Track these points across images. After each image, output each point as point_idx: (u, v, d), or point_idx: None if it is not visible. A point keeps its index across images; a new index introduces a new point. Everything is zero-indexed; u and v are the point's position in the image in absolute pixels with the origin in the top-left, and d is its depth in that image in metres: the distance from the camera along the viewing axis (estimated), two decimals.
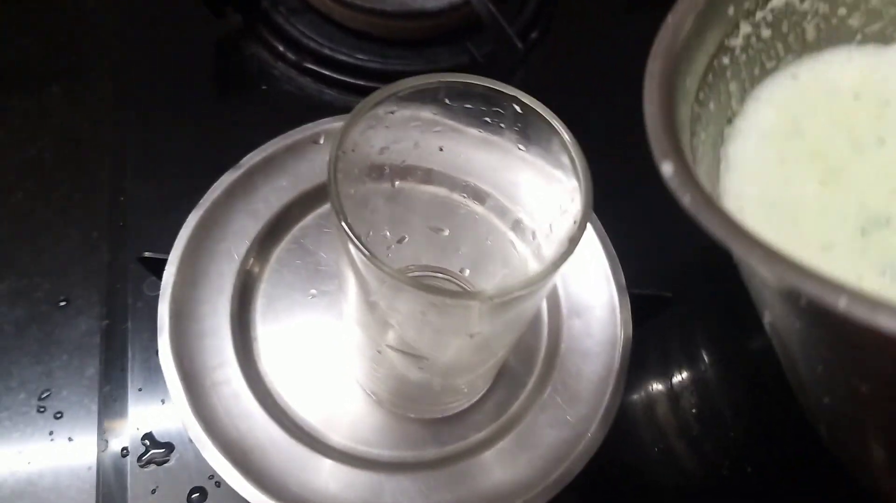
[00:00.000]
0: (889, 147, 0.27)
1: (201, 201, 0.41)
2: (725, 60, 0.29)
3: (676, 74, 0.25)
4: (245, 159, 0.43)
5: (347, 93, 0.57)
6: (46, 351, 0.48)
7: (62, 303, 0.49)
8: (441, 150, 0.31)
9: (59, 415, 0.45)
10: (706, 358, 0.49)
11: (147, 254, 0.41)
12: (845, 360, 0.22)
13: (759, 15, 0.28)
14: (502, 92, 0.27)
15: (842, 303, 0.16)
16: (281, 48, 0.58)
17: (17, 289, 0.49)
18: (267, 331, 0.40)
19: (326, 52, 0.57)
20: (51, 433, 0.45)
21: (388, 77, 0.57)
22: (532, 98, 0.27)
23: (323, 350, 0.40)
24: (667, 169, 0.20)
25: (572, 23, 0.63)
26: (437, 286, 0.23)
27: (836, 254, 0.25)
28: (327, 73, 0.57)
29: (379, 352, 0.31)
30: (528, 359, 0.41)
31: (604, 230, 0.44)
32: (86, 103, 0.57)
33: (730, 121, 0.30)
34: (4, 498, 0.43)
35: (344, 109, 0.56)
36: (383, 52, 0.58)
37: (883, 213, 0.25)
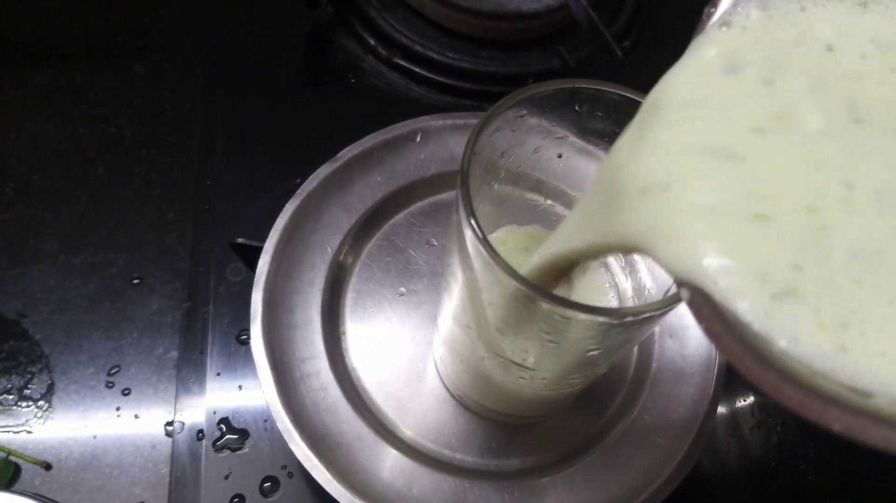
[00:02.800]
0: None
1: (298, 192, 0.41)
2: None
3: None
4: (343, 152, 0.43)
5: (435, 91, 0.57)
6: (117, 327, 0.48)
7: (135, 281, 0.49)
8: (560, 156, 0.30)
9: (126, 392, 0.46)
10: None
11: (240, 240, 0.41)
12: None
13: None
14: (637, 101, 0.26)
15: None
16: (371, 42, 0.58)
17: (91, 263, 0.50)
18: (355, 326, 0.40)
19: (417, 48, 0.57)
20: (118, 409, 0.45)
21: (478, 77, 0.56)
22: None
23: (410, 349, 0.40)
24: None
25: (665, 32, 0.62)
26: (568, 300, 0.22)
27: None
28: (416, 69, 0.57)
29: (481, 358, 0.30)
30: (618, 377, 0.40)
31: None
32: (169, 84, 0.58)
33: None
34: (70, 469, 0.44)
35: (431, 107, 0.56)
36: (474, 52, 0.57)
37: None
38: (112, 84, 0.58)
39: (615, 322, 0.23)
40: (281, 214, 0.40)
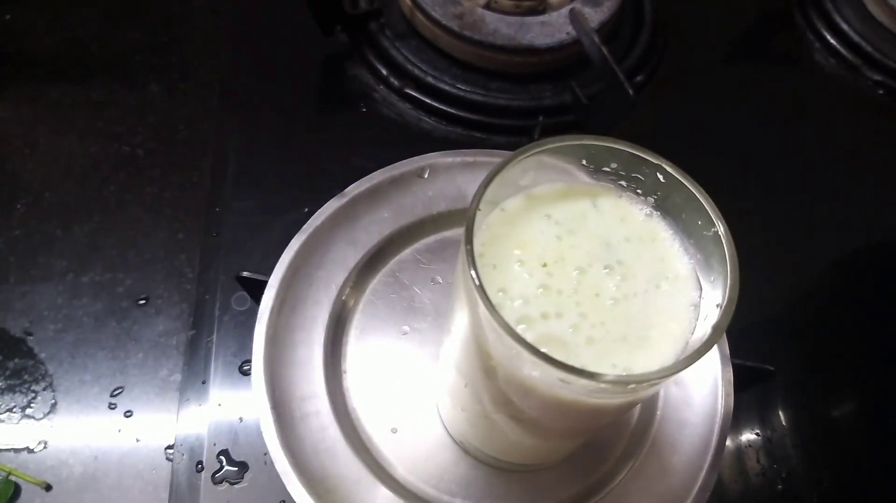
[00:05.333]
0: None
1: (304, 227, 0.41)
2: None
3: None
4: (350, 188, 0.42)
5: (446, 122, 0.57)
6: (123, 347, 0.48)
7: (142, 301, 0.49)
8: None
9: (129, 414, 0.46)
10: (800, 429, 0.46)
11: (246, 274, 0.41)
12: None
13: None
14: (646, 159, 0.26)
15: None
16: (384, 72, 0.58)
17: (100, 282, 0.50)
18: (358, 364, 0.39)
19: (429, 79, 0.57)
20: (119, 431, 0.45)
21: (488, 110, 0.56)
22: (678, 168, 0.26)
23: (411, 390, 0.39)
24: None
25: (679, 70, 0.62)
26: (571, 366, 0.21)
27: None
28: (427, 100, 0.57)
29: (482, 409, 0.30)
30: (621, 423, 0.39)
31: None
32: (185, 104, 0.58)
33: None
34: (70, 490, 0.43)
35: (441, 139, 0.56)
36: (485, 85, 0.57)
37: None
38: (128, 102, 0.58)
39: (617, 388, 0.22)
40: (287, 249, 0.40)
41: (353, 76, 0.59)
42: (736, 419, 0.39)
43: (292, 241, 0.40)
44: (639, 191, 0.28)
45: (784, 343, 0.48)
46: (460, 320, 0.27)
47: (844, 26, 0.62)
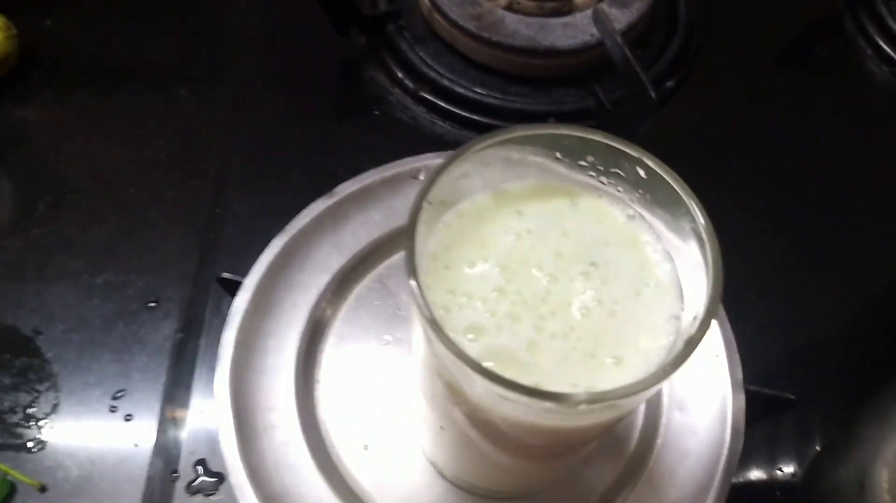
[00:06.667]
0: None
1: (287, 227, 0.39)
2: None
3: None
4: (340, 187, 0.40)
5: (460, 126, 0.54)
6: (128, 350, 0.47)
7: (152, 305, 0.48)
8: None
9: (129, 418, 0.44)
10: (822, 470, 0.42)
11: (225, 275, 0.39)
12: None
13: None
14: (625, 152, 0.23)
15: None
16: (400, 74, 0.56)
17: (113, 284, 0.49)
18: (332, 374, 0.37)
19: (445, 82, 0.54)
20: (118, 435, 0.44)
21: (506, 114, 0.53)
22: (661, 163, 0.23)
23: (388, 404, 0.36)
24: None
25: (712, 75, 0.58)
26: (516, 383, 0.18)
27: None
28: (442, 104, 0.54)
29: (441, 428, 0.27)
30: (616, 449, 0.36)
31: (724, 314, 0.38)
32: (208, 109, 0.57)
33: None
34: (64, 492, 0.42)
35: (454, 144, 0.53)
36: (503, 88, 0.55)
37: None
38: (155, 106, 0.58)
39: (564, 409, 0.19)
40: (266, 250, 0.38)
41: (369, 79, 0.57)
42: (747, 454, 0.35)
43: (273, 241, 0.38)
44: (619, 188, 0.25)
45: (808, 369, 0.43)
46: (413, 329, 0.24)
47: None
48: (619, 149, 0.23)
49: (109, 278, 0.50)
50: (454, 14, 0.54)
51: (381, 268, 0.40)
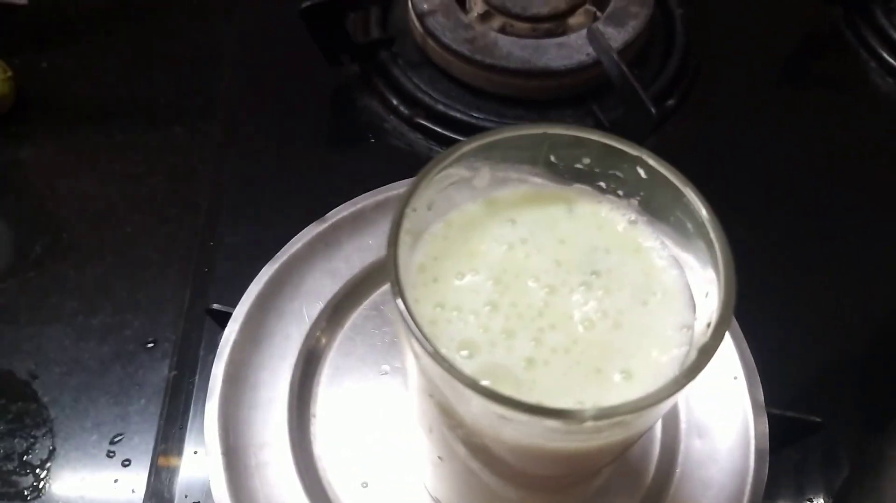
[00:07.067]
0: None
1: (278, 254, 0.37)
2: None
3: None
4: (332, 213, 0.39)
5: None
6: (126, 392, 0.45)
7: (149, 345, 0.47)
8: None
9: (126, 463, 0.43)
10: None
11: (215, 306, 0.38)
12: None
13: None
14: (624, 151, 0.21)
15: None
16: (394, 101, 0.55)
17: (109, 324, 0.48)
18: (328, 407, 0.35)
19: (440, 107, 0.53)
20: (116, 481, 0.42)
21: None
22: (662, 161, 0.21)
23: (387, 439, 0.34)
24: None
25: (714, 92, 0.57)
26: (515, 399, 0.17)
27: None
28: (439, 129, 0.53)
29: (440, 458, 0.25)
30: (633, 480, 0.33)
31: (741, 332, 0.36)
32: (205, 144, 0.57)
33: None
34: None
35: None
36: (500, 111, 0.53)
37: None
38: (150, 143, 0.57)
39: (570, 427, 0.17)
40: (256, 278, 0.37)
41: (363, 107, 0.56)
42: (771, 482, 0.33)
43: (263, 269, 0.37)
44: (619, 192, 0.23)
45: (831, 390, 0.41)
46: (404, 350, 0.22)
47: None
48: (616, 147, 0.22)
49: (106, 318, 0.48)
50: (447, 38, 0.53)
51: (376, 295, 0.38)
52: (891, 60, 0.57)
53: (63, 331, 0.48)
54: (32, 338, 0.48)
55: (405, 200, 0.20)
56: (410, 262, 0.21)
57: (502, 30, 0.54)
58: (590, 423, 0.17)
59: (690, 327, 0.21)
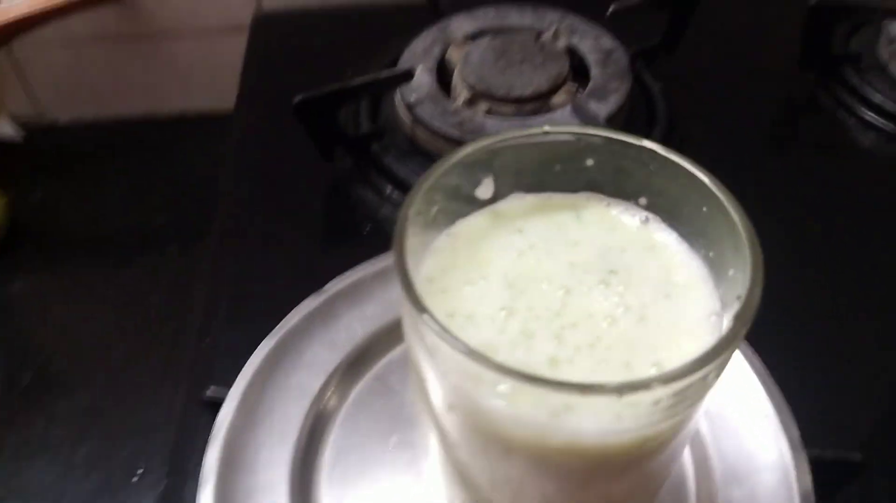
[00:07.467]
0: None
1: (275, 329, 0.36)
2: None
3: None
4: (329, 284, 0.38)
5: None
6: None
7: (135, 478, 0.44)
8: None
9: None
10: None
11: (210, 393, 0.36)
12: None
13: None
14: (632, 144, 0.21)
15: None
16: (388, 190, 0.55)
17: (96, 455, 0.45)
18: (333, 489, 0.32)
19: None
20: None
21: None
22: (672, 150, 0.20)
23: None
24: None
25: (700, 162, 0.57)
26: (563, 381, 0.15)
27: None
28: None
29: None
30: None
31: (767, 373, 0.34)
32: (201, 261, 0.56)
33: None
34: None
35: None
36: None
37: None
38: (145, 264, 0.56)
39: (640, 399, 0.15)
40: (254, 354, 0.35)
41: (358, 198, 0.56)
42: None
43: (260, 345, 0.35)
44: (627, 190, 0.22)
45: (867, 427, 0.38)
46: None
47: (878, 97, 0.58)
48: (623, 141, 0.21)
49: (93, 448, 0.45)
50: (436, 125, 0.54)
51: (379, 366, 0.36)
52: (868, 116, 0.58)
53: (49, 466, 0.43)
54: (17, 474, 0.44)
55: (407, 206, 0.19)
56: (417, 276, 0.20)
57: (489, 112, 0.56)
58: (659, 390, 0.15)
59: (718, 314, 0.19)
